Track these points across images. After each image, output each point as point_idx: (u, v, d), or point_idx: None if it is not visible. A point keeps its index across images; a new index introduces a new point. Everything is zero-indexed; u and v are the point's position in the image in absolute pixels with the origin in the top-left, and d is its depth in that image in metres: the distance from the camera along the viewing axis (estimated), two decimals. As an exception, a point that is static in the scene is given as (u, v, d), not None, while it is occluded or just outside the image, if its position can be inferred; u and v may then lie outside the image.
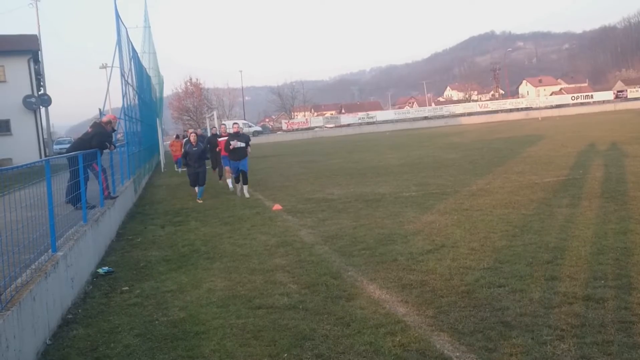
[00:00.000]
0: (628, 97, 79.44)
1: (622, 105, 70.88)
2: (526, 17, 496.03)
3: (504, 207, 10.26)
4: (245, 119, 79.85)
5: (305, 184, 16.86)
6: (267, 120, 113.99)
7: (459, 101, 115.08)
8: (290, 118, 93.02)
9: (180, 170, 24.54)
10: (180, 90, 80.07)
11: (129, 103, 17.70)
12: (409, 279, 6.32)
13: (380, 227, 9.35)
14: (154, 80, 40.51)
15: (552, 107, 76.07)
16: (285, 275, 6.90)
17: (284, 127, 75.92)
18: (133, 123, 18.72)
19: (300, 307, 5.66)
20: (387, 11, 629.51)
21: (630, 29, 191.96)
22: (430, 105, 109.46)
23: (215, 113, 32.94)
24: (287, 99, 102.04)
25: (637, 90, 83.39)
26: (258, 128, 72.90)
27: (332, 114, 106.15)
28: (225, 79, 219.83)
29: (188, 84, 79.41)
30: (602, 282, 5.66)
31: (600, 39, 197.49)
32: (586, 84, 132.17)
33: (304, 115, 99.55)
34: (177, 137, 28.37)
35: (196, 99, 78.68)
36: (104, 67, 57.69)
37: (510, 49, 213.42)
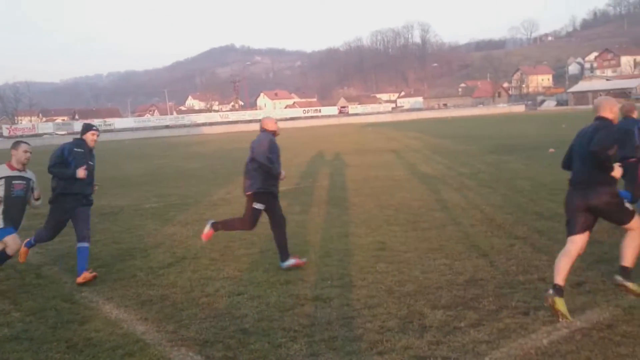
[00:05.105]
0: (349, 112, 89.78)
1: (345, 120, 79.75)
2: (263, 33, 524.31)
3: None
4: (-46, 123, 68.79)
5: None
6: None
7: (200, 111, 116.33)
8: (13, 123, 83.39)
9: None
10: None
11: None
12: (148, 294, 6.15)
13: (117, 242, 8.91)
14: None
15: (286, 119, 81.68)
16: (6, 302, 6.12)
17: (5, 133, 67.54)
18: None
19: (24, 337, 5.08)
20: (126, 15, 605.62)
21: (351, 52, 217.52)
22: (172, 114, 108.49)
23: None
24: (8, 102, 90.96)
25: (356, 107, 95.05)
26: None
27: (64, 120, 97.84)
28: None
29: None
30: (329, 282, 6.25)
31: (327, 59, 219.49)
32: (315, 99, 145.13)
33: (30, 121, 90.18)
34: None
35: None
36: None
37: (249, 63, 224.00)
